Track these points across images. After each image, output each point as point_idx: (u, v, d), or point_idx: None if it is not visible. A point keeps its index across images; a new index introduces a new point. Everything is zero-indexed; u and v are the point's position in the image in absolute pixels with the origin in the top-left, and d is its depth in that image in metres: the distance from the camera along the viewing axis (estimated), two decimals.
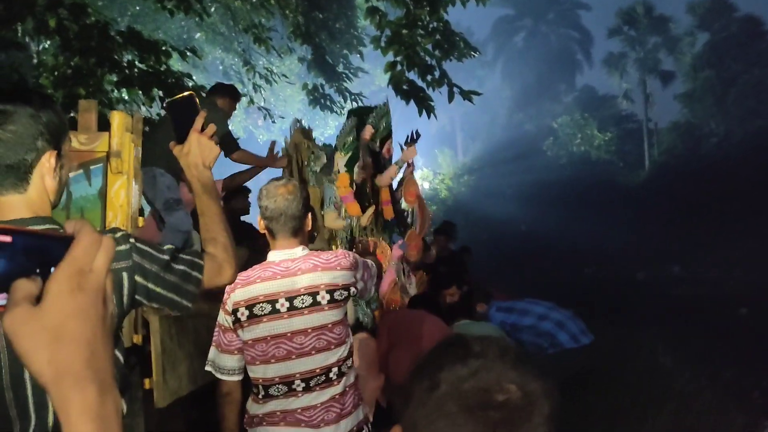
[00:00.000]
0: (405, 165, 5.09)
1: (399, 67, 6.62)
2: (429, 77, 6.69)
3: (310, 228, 2.57)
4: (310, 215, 2.55)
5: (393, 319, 3.94)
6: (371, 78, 19.55)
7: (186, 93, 1.79)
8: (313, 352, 2.35)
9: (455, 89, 6.67)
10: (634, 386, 6.82)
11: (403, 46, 6.49)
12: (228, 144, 4.88)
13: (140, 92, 5.94)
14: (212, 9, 9.84)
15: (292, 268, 2.41)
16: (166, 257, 1.59)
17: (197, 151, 1.72)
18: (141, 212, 3.20)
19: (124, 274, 1.51)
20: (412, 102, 6.91)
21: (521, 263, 19.65)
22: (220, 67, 12.62)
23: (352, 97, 9.90)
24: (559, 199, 24.82)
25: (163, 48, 6.12)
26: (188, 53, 6.62)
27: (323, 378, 2.37)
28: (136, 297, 1.55)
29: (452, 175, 31.66)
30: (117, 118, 2.70)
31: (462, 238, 9.76)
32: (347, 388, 2.43)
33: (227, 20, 9.87)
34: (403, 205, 5.22)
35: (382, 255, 4.80)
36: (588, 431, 5.17)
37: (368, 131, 4.87)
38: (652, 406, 6.33)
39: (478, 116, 38.00)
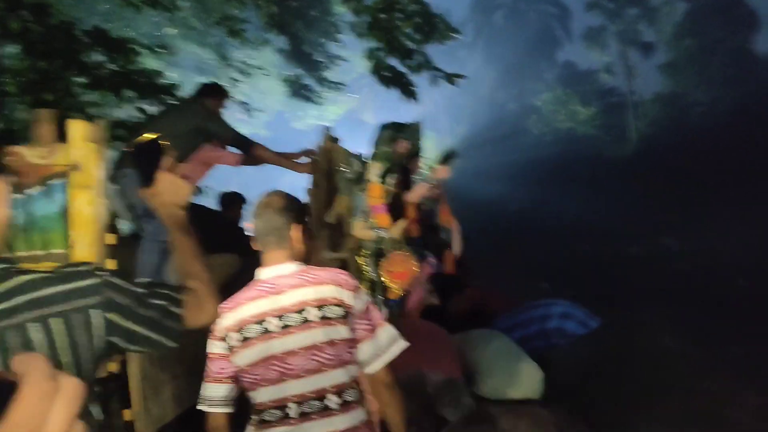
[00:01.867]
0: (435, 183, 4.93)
1: (380, 54, 6.40)
2: (411, 62, 6.48)
3: (301, 242, 2.35)
4: (301, 228, 2.34)
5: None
6: (351, 66, 19.25)
7: (150, 135, 1.71)
8: (303, 373, 2.15)
9: (438, 73, 6.47)
10: (640, 369, 6.69)
11: (383, 31, 6.27)
12: (242, 143, 4.70)
13: (112, 94, 5.69)
14: (184, 3, 9.56)
15: (280, 285, 2.22)
16: (141, 290, 1.44)
17: (168, 191, 1.69)
18: (114, 229, 2.98)
19: (93, 312, 1.32)
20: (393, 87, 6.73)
21: (512, 243, 19.53)
22: (195, 63, 12.31)
23: (332, 85, 9.68)
24: (547, 177, 24.73)
25: (131, 46, 5.84)
26: (158, 49, 6.35)
27: (318, 404, 2.15)
28: (111, 339, 1.36)
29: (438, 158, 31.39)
30: (75, 128, 2.47)
31: None
32: (358, 427, 2.18)
33: (199, 14, 9.57)
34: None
35: (407, 271, 4.64)
36: (597, 420, 5.02)
37: (404, 146, 4.72)
38: (660, 389, 6.19)
39: (461, 98, 37.78)
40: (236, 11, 8.27)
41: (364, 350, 2.23)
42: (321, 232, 4.23)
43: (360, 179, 4.46)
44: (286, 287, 2.21)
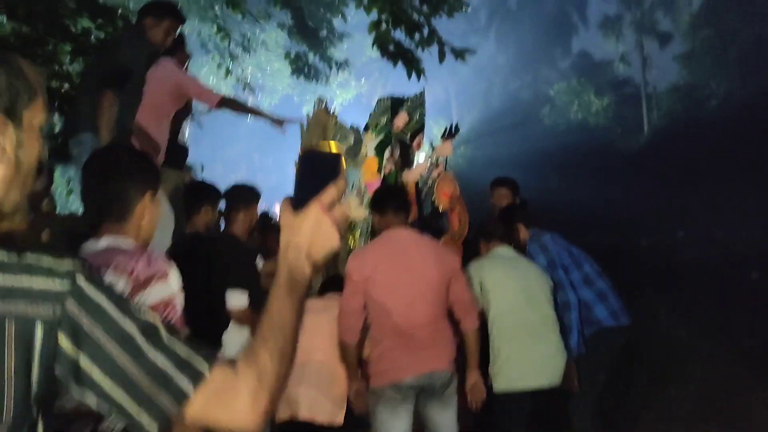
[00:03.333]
0: (437, 161, 4.58)
1: (384, 26, 6.02)
2: (417, 36, 6.10)
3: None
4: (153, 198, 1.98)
5: None
6: (360, 49, 18.84)
7: (333, 150, 1.19)
8: None
9: (446, 48, 6.09)
10: (651, 362, 6.43)
11: (387, 2, 5.90)
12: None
13: None
14: None
15: None
16: (136, 325, 0.97)
17: (310, 232, 1.07)
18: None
19: (40, 326, 0.91)
20: (400, 67, 6.35)
21: None
22: (198, 41, 11.97)
23: (338, 65, 9.32)
24: (559, 167, 24.35)
25: (120, 12, 5.51)
26: None
27: None
28: (56, 372, 0.93)
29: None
30: None
31: None
32: None
33: None
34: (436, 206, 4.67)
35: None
36: (608, 411, 4.72)
37: (402, 119, 4.41)
38: (673, 383, 5.96)
39: (472, 85, 37.41)
40: None
41: None
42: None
43: (355, 153, 4.13)
44: None
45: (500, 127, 29.98)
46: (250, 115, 4.91)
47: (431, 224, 4.52)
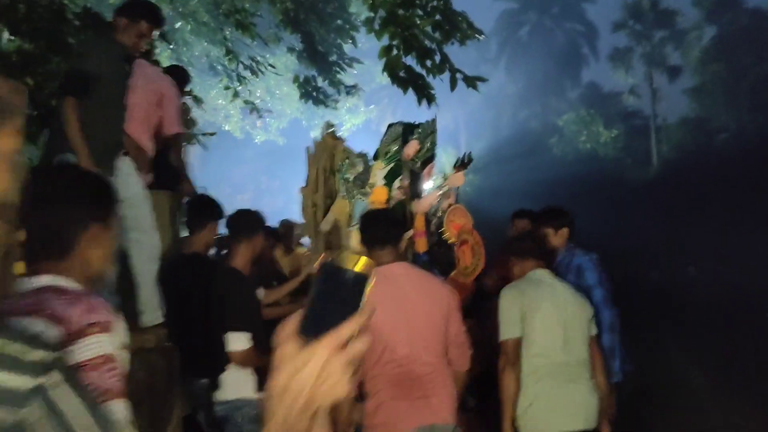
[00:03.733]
0: (448, 192, 4.37)
1: (395, 52, 5.87)
2: (428, 62, 5.94)
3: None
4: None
5: None
6: (370, 76, 18.77)
7: (360, 268, 0.87)
8: None
9: (458, 75, 5.92)
10: (657, 402, 6.19)
11: (400, 28, 5.75)
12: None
13: None
14: None
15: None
16: None
17: (315, 376, 0.82)
18: None
19: None
20: (411, 93, 6.18)
21: None
22: (208, 63, 11.92)
23: (347, 89, 9.21)
24: (567, 198, 24.06)
25: None
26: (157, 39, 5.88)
27: None
28: None
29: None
30: None
31: None
32: None
33: (210, 7, 9.16)
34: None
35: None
36: None
37: (413, 147, 4.19)
38: (681, 425, 5.72)
39: (482, 114, 37.39)
40: (247, 4, 7.85)
41: None
42: (314, 240, 3.76)
43: (363, 182, 3.94)
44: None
45: (509, 156, 29.87)
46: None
47: (441, 258, 4.29)
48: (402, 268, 3.24)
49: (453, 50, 6.25)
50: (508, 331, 3.43)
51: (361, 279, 0.88)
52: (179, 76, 4.70)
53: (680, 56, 32.10)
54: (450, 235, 4.29)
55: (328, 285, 0.87)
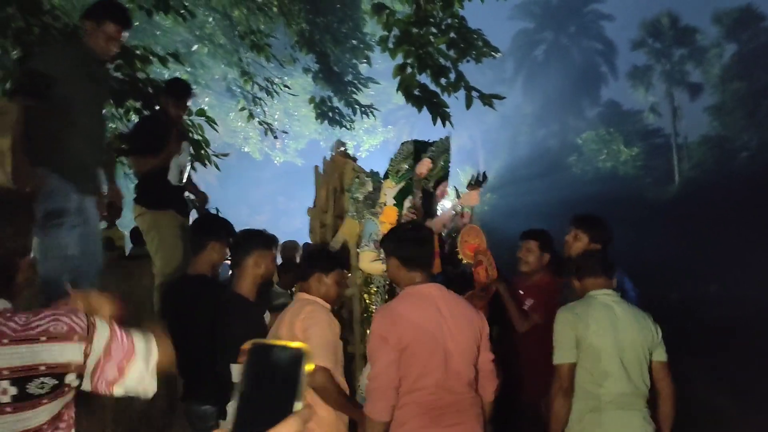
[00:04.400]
0: (462, 211, 4.26)
1: (409, 70, 5.82)
2: (443, 81, 5.88)
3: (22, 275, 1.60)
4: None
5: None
6: (387, 97, 18.76)
7: (296, 345, 0.76)
8: None
9: (474, 93, 5.85)
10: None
11: (414, 46, 5.71)
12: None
13: (113, 105, 5.20)
14: (210, 19, 9.19)
15: None
16: None
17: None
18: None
19: None
20: (426, 113, 6.12)
21: None
22: (226, 85, 11.98)
23: (363, 109, 9.18)
24: None
25: (137, 52, 5.37)
26: (169, 57, 5.84)
27: None
28: None
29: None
30: None
31: None
32: None
33: (227, 30, 9.22)
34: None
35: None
36: None
37: (425, 165, 4.07)
38: None
39: (499, 133, 37.30)
40: (263, 26, 7.86)
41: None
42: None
43: (373, 201, 3.85)
44: None
45: (527, 175, 29.70)
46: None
47: (457, 279, 4.17)
48: (437, 289, 3.06)
49: (469, 71, 6.20)
50: (562, 355, 3.29)
51: (299, 356, 0.77)
52: (179, 90, 4.55)
53: (700, 74, 31.94)
54: (464, 255, 4.17)
55: (258, 368, 0.77)
